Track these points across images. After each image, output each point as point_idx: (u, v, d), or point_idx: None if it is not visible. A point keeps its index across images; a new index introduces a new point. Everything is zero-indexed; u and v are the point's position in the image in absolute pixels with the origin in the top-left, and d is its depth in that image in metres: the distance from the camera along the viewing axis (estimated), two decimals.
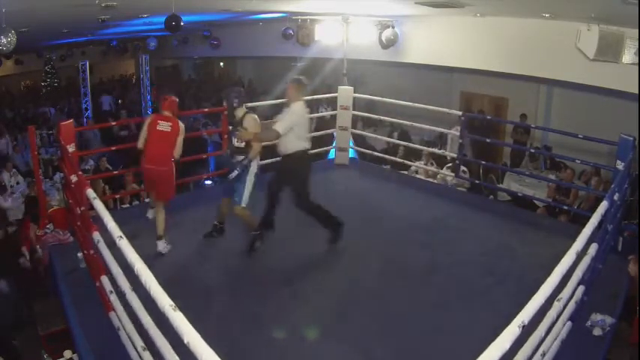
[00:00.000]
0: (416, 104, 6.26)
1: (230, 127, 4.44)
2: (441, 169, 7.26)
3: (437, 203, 5.65)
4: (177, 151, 4.30)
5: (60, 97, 16.80)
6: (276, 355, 3.12)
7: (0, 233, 6.21)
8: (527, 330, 1.82)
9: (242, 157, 4.21)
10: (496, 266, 4.21)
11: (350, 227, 4.95)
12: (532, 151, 8.11)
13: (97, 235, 2.99)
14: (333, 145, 6.98)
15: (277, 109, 9.11)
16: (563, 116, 8.88)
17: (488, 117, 8.40)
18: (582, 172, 7.55)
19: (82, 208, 3.56)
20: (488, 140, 7.08)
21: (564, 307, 2.55)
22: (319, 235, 4.71)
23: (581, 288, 2.99)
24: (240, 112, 4.22)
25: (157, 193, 4.45)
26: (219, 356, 1.52)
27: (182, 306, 1.78)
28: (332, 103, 7.60)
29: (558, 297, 2.37)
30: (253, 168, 4.24)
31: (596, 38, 5.05)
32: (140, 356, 2.53)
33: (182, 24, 5.71)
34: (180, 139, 4.29)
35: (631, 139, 4.25)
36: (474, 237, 4.79)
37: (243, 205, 4.20)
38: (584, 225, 2.61)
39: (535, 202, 6.87)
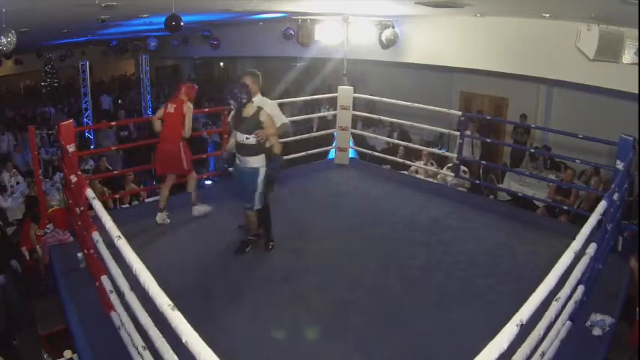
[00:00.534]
0: (416, 104, 6.26)
1: (232, 127, 4.15)
2: (441, 169, 7.26)
3: (437, 203, 5.65)
4: (186, 130, 4.67)
5: (60, 97, 16.83)
6: (277, 355, 3.12)
7: None
8: (526, 329, 1.82)
9: (254, 156, 3.97)
10: (496, 266, 4.21)
11: (350, 227, 4.96)
12: (532, 151, 8.11)
13: (96, 235, 2.99)
14: (333, 145, 6.98)
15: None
16: (563, 116, 8.88)
17: (488, 117, 8.40)
18: (582, 172, 7.55)
19: (82, 208, 3.56)
20: (488, 140, 7.09)
21: (563, 306, 2.55)
22: (319, 235, 4.72)
23: (581, 288, 2.99)
24: (250, 109, 3.96)
25: (170, 167, 4.84)
26: (218, 356, 1.52)
27: (181, 305, 1.79)
28: (332, 103, 7.60)
29: (557, 296, 2.37)
30: (263, 169, 4.04)
31: (596, 38, 5.05)
32: (141, 356, 2.53)
33: (182, 24, 5.71)
34: (187, 120, 4.66)
35: (631, 139, 4.25)
36: (473, 237, 4.79)
37: (258, 207, 4.10)
38: (583, 225, 2.62)
39: (535, 202, 6.87)
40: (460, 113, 6.24)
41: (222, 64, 19.83)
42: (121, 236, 2.31)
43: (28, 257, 5.73)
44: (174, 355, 2.07)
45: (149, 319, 2.32)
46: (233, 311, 3.56)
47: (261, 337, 3.25)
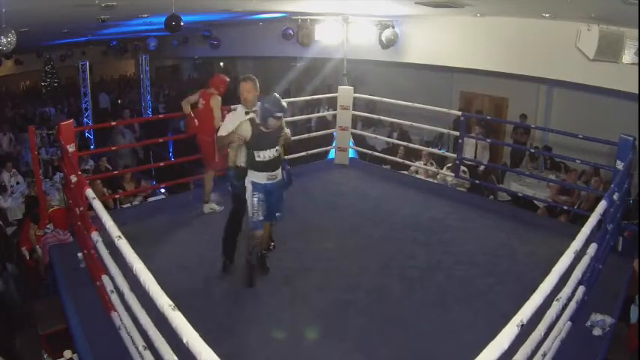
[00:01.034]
0: (416, 104, 6.26)
1: (252, 145, 3.66)
2: (441, 169, 7.26)
3: (437, 203, 5.65)
4: (216, 122, 4.80)
5: (60, 97, 16.82)
6: (276, 355, 3.12)
7: None
8: (526, 330, 1.82)
9: (278, 170, 3.76)
10: (496, 266, 4.21)
11: (350, 227, 4.96)
12: (532, 151, 8.11)
13: (96, 235, 2.99)
14: (333, 145, 6.98)
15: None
16: (563, 116, 8.88)
17: (488, 117, 8.40)
18: (582, 172, 7.55)
19: (82, 208, 3.56)
20: (488, 140, 7.08)
21: (564, 307, 2.54)
22: (319, 235, 4.72)
23: (581, 288, 2.99)
24: (279, 121, 3.62)
25: (205, 158, 5.10)
26: (219, 356, 1.52)
27: (181, 305, 1.78)
28: (332, 103, 7.60)
29: (557, 297, 2.37)
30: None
31: (596, 38, 5.05)
32: (141, 356, 2.53)
33: (182, 24, 5.71)
34: (215, 113, 4.84)
35: (631, 139, 4.25)
36: (474, 237, 4.79)
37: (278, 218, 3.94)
38: (583, 225, 2.62)
39: (535, 202, 6.87)
40: (460, 113, 6.24)
41: (222, 64, 19.82)
42: (121, 236, 2.31)
43: (28, 257, 5.74)
44: (175, 355, 2.07)
45: (149, 319, 2.32)
46: (233, 311, 3.56)
47: (261, 336, 3.25)
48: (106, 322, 3.16)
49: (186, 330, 1.64)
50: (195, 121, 4.98)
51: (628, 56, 5.09)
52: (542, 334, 2.32)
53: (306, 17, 8.51)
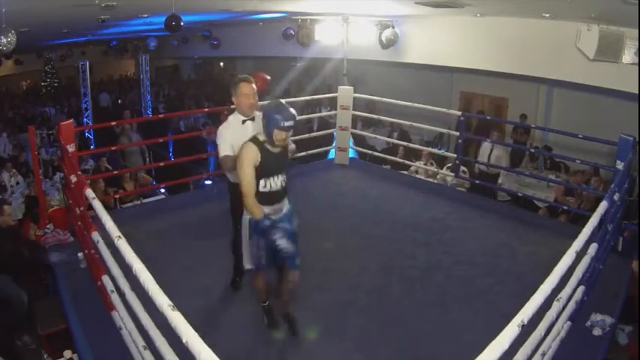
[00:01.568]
0: (416, 104, 6.26)
1: (261, 174, 2.92)
2: (441, 169, 7.26)
3: (437, 203, 5.65)
4: None
5: (60, 97, 16.83)
6: (276, 355, 3.12)
7: None
8: (526, 330, 1.82)
9: (284, 202, 3.10)
10: (496, 266, 4.21)
11: (350, 227, 4.96)
12: (532, 151, 8.11)
13: (96, 235, 2.99)
14: (333, 145, 6.98)
15: None
16: (563, 116, 8.89)
17: (489, 117, 8.40)
18: (582, 172, 7.55)
19: (82, 208, 3.56)
20: (488, 140, 7.07)
21: (564, 307, 2.54)
22: (319, 235, 4.71)
23: (581, 288, 2.99)
24: (288, 134, 2.92)
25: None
26: (218, 356, 1.52)
27: (181, 305, 1.78)
28: (332, 103, 7.60)
29: (558, 297, 2.37)
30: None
31: (596, 38, 5.05)
32: (141, 356, 2.53)
33: (182, 24, 5.71)
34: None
35: (631, 139, 4.25)
36: (474, 237, 4.79)
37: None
38: (584, 225, 2.62)
39: (536, 203, 6.86)
40: (460, 113, 6.24)
41: (222, 64, 19.83)
42: (121, 236, 2.31)
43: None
44: (175, 355, 2.07)
45: (150, 319, 2.32)
46: (233, 311, 3.56)
47: (262, 337, 3.24)
48: (106, 322, 3.16)
49: (186, 330, 1.64)
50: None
51: (628, 56, 5.10)
52: (543, 334, 2.32)
53: (306, 17, 8.51)
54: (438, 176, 7.05)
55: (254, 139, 2.92)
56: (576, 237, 2.44)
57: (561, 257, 2.22)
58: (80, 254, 3.99)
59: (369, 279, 4.00)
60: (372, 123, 9.99)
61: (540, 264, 3.93)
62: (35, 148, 4.97)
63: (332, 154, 7.04)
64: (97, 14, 6.73)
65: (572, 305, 2.86)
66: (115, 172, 7.37)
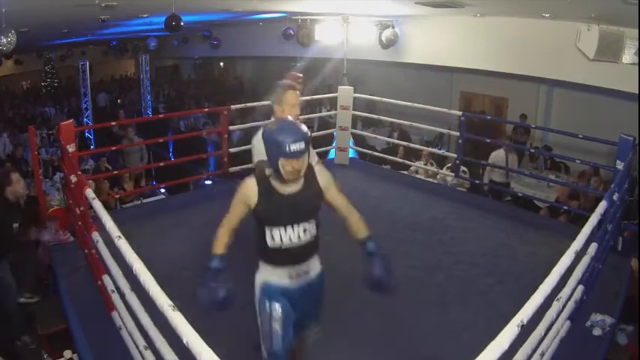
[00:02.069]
0: (416, 104, 6.26)
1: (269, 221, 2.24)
2: (441, 169, 7.26)
3: (437, 203, 5.64)
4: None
5: (60, 97, 16.83)
6: None
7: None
8: (526, 330, 1.82)
9: (316, 252, 2.43)
10: (496, 266, 4.21)
11: None
12: (532, 151, 8.11)
13: (96, 235, 2.99)
14: (333, 145, 6.98)
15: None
16: (563, 116, 8.89)
17: (489, 117, 8.40)
18: (582, 172, 7.56)
19: (82, 208, 3.56)
20: (488, 140, 7.07)
21: (564, 306, 2.55)
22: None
23: (581, 288, 2.99)
24: (302, 161, 2.13)
25: None
26: (219, 356, 1.52)
27: (182, 306, 1.79)
28: (332, 103, 7.59)
29: (558, 296, 2.37)
30: None
31: (596, 38, 5.06)
32: (142, 355, 2.53)
33: (182, 24, 5.72)
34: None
35: (631, 139, 4.24)
36: (474, 237, 4.79)
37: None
38: (583, 225, 2.61)
39: (536, 203, 6.86)
40: (460, 113, 6.24)
41: (222, 64, 19.83)
42: (121, 236, 2.31)
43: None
44: (176, 355, 2.07)
45: (150, 319, 2.32)
46: (233, 311, 3.54)
47: None
48: (106, 322, 3.16)
49: (187, 330, 1.64)
50: None
51: (628, 56, 5.10)
52: (542, 334, 2.32)
53: (306, 17, 8.51)
54: (438, 176, 7.05)
55: (260, 172, 2.16)
56: (576, 237, 2.44)
57: (561, 257, 2.22)
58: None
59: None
60: (372, 123, 9.99)
61: (540, 264, 3.92)
62: (35, 148, 4.97)
63: (332, 154, 7.04)
64: (97, 14, 6.73)
65: (571, 305, 2.87)
66: (115, 172, 7.37)
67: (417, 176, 7.13)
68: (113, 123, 9.58)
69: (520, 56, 6.51)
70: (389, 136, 9.66)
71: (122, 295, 2.71)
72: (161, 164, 6.06)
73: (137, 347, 2.60)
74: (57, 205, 5.65)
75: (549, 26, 6.01)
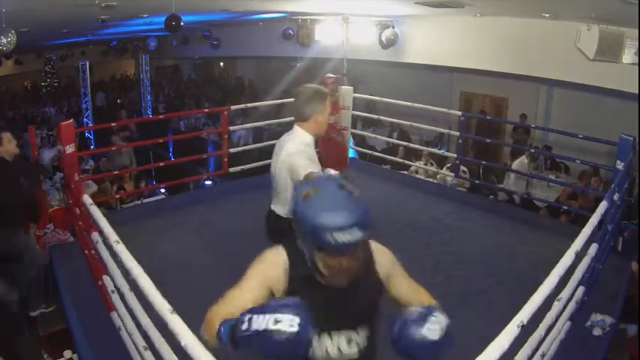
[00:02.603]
0: (416, 104, 6.26)
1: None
2: (441, 169, 7.26)
3: (437, 203, 5.64)
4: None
5: (60, 97, 16.83)
6: None
7: None
8: (526, 330, 1.82)
9: None
10: (496, 266, 4.21)
11: None
12: (532, 151, 8.11)
13: (96, 236, 2.99)
14: None
15: (278, 110, 9.11)
16: (563, 116, 8.89)
17: (488, 117, 8.40)
18: (582, 172, 7.56)
19: (82, 208, 3.55)
20: (488, 140, 7.09)
21: (564, 307, 2.54)
22: None
23: (581, 288, 2.99)
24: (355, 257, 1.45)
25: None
26: (218, 359, 1.52)
27: (181, 307, 1.78)
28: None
29: (558, 297, 2.37)
30: None
31: (596, 38, 5.05)
32: (142, 356, 2.53)
33: (182, 24, 5.72)
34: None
35: (631, 139, 4.24)
36: (473, 237, 4.79)
37: None
38: (583, 225, 2.61)
39: (536, 203, 6.86)
40: (460, 113, 6.24)
41: (222, 64, 19.82)
42: (119, 241, 2.31)
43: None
44: (175, 355, 2.07)
45: (149, 320, 2.31)
46: None
47: None
48: (106, 322, 3.16)
49: (185, 334, 1.64)
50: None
51: (628, 56, 5.10)
52: (542, 334, 2.32)
53: (306, 17, 8.51)
54: (438, 176, 7.04)
55: (294, 246, 1.46)
56: (576, 237, 2.43)
57: (561, 257, 2.22)
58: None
59: None
60: (372, 123, 9.99)
61: (540, 264, 3.91)
62: (35, 148, 4.97)
63: None
64: (97, 14, 6.73)
65: (572, 305, 2.86)
66: (116, 172, 7.37)
67: (417, 176, 7.13)
68: (113, 124, 9.58)
69: (520, 56, 6.51)
70: (389, 136, 9.66)
71: (122, 296, 2.70)
72: (161, 164, 6.06)
73: (137, 347, 2.60)
74: (57, 205, 5.65)
75: (549, 26, 6.01)
